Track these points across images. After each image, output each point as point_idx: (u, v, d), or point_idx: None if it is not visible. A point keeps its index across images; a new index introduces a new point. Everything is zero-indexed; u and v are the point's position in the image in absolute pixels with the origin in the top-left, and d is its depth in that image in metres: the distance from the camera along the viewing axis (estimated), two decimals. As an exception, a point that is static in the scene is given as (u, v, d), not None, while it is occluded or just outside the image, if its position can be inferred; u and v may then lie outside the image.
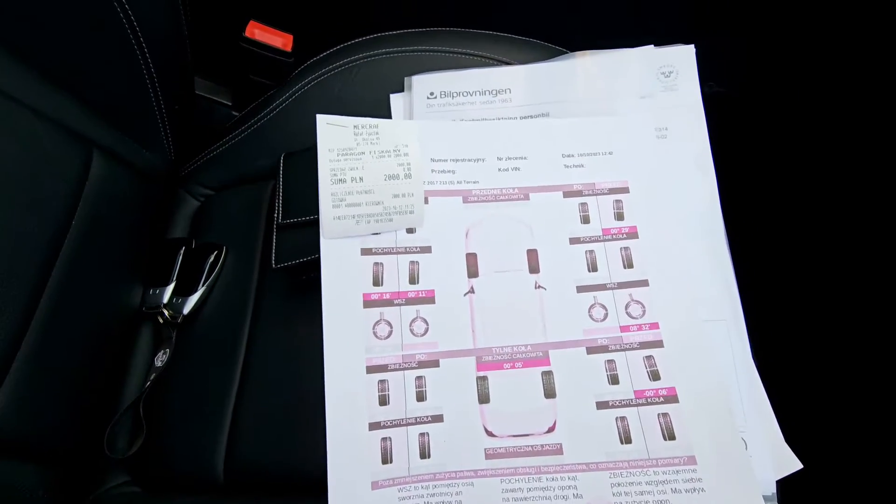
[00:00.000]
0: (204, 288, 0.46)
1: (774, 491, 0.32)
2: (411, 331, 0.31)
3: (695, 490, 0.27)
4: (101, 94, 0.46)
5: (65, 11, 0.41)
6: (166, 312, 0.46)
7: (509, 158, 0.36)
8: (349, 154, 0.35)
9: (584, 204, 0.35)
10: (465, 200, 0.35)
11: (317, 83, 0.53)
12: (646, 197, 0.35)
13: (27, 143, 0.39)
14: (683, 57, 0.41)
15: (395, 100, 0.44)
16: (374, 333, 0.31)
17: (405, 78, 0.45)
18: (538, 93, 0.42)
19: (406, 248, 0.33)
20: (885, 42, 0.54)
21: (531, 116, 0.42)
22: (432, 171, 0.36)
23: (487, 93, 0.43)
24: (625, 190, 0.35)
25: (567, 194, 0.35)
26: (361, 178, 0.34)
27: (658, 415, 0.29)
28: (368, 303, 0.32)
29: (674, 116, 0.40)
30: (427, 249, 0.33)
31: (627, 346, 0.30)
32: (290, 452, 0.35)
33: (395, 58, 0.53)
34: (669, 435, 0.28)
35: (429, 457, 0.29)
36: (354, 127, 0.36)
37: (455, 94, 0.43)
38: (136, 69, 0.45)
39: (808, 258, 0.60)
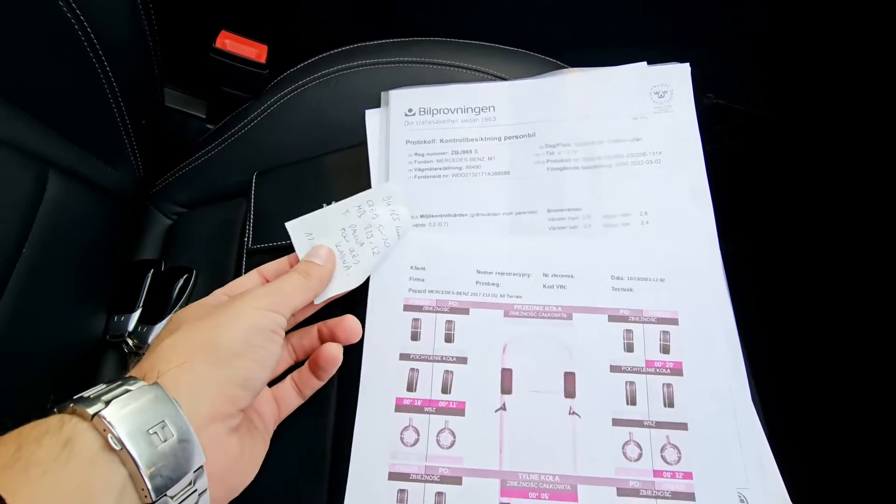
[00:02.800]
0: (171, 315, 0.44)
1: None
2: (438, 442, 0.31)
3: None
4: (57, 110, 0.43)
5: (13, 23, 0.38)
6: (130, 342, 0.44)
7: (555, 276, 0.35)
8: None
9: (629, 331, 0.33)
10: (507, 314, 0.34)
11: (293, 96, 0.50)
12: (694, 332, 0.33)
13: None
14: (678, 76, 0.38)
15: (371, 116, 0.42)
16: (402, 439, 0.31)
17: (381, 93, 0.42)
18: (524, 111, 0.39)
19: (442, 356, 0.33)
20: (887, 50, 0.52)
21: (516, 136, 0.39)
22: (477, 282, 0.35)
23: (470, 110, 0.40)
24: (674, 321, 0.33)
25: (612, 318, 0.33)
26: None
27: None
28: (400, 407, 0.32)
29: (668, 141, 0.37)
30: (463, 360, 0.33)
31: (659, 494, 0.29)
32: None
33: (376, 69, 0.50)
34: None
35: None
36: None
37: (435, 111, 0.40)
38: (96, 83, 0.43)
39: (813, 290, 0.58)
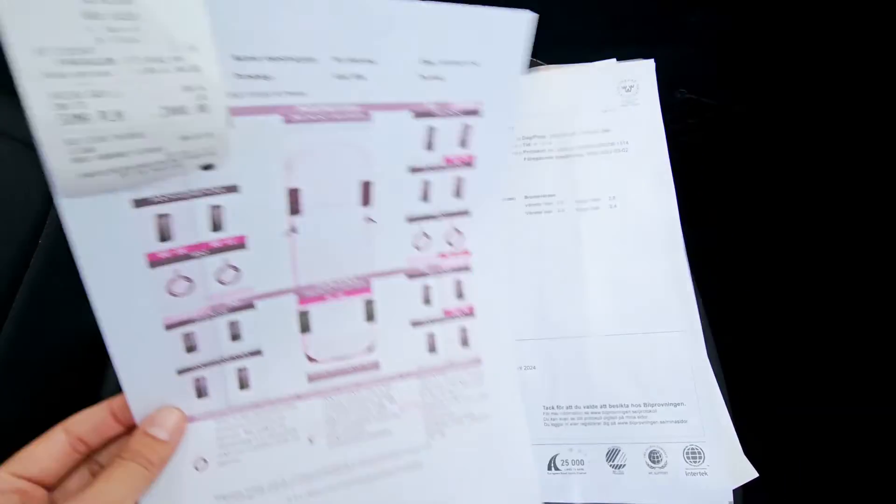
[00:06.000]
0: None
1: (731, 500, 0.33)
2: (219, 281, 0.27)
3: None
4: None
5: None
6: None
7: (352, 60, 0.26)
8: (84, 62, 0.21)
9: (432, 129, 0.29)
10: (288, 120, 0.26)
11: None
12: (494, 126, 0.30)
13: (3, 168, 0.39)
14: (644, 72, 0.41)
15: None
16: (170, 292, 0.27)
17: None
18: (502, 107, 0.42)
19: (203, 189, 0.25)
20: (858, 45, 0.55)
21: (495, 131, 0.42)
22: (237, 75, 0.24)
23: (452, 107, 0.43)
24: (475, 113, 0.30)
25: (418, 115, 0.29)
26: (119, 114, 0.22)
27: (458, 328, 0.33)
28: (157, 262, 0.26)
29: (634, 131, 0.40)
30: (233, 189, 0.26)
31: (444, 271, 0.33)
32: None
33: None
34: (464, 343, 0.33)
35: (249, 388, 0.29)
36: (85, 2, 0.21)
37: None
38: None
39: (772, 264, 0.61)
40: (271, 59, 0.24)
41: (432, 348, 0.32)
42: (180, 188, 0.25)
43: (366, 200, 0.29)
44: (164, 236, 0.25)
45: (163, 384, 0.27)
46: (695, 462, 0.33)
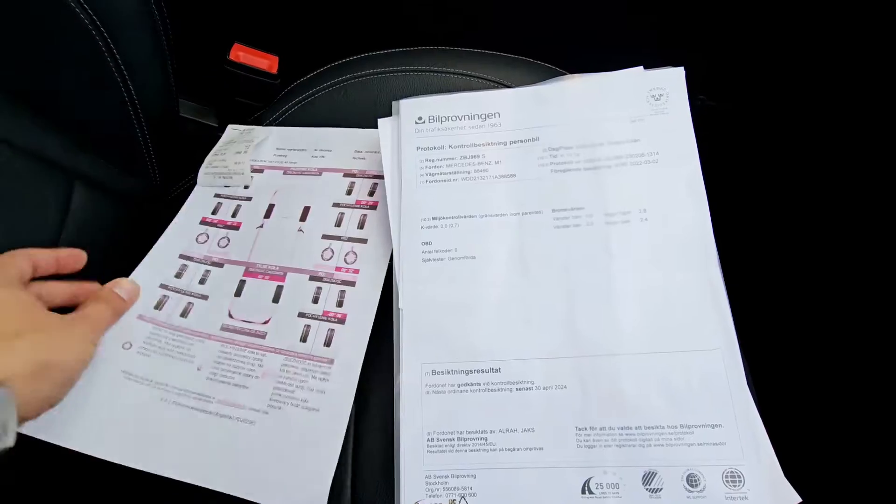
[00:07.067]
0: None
1: (773, 524, 0.32)
2: (218, 244, 0.45)
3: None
4: (81, 123, 0.45)
5: (42, 42, 0.40)
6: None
7: (317, 150, 0.49)
8: None
9: (353, 182, 0.46)
10: (284, 173, 0.48)
11: (304, 104, 0.52)
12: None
13: (5, 179, 0.38)
14: (673, 79, 0.40)
15: (384, 124, 0.44)
16: (196, 240, 0.46)
17: (392, 102, 0.44)
18: (528, 117, 0.42)
19: (236, 195, 0.48)
20: (876, 51, 0.54)
21: (521, 141, 0.41)
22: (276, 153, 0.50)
23: (476, 117, 0.42)
24: (381, 177, 0.44)
25: (346, 175, 0.46)
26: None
27: (328, 329, 0.40)
28: (203, 222, 0.47)
29: (664, 141, 0.39)
30: (249, 199, 0.47)
31: (335, 281, 0.42)
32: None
33: (383, 77, 0.52)
34: (327, 343, 0.40)
35: (186, 318, 0.42)
36: None
37: (444, 119, 0.42)
38: (117, 97, 0.45)
39: (806, 277, 0.60)
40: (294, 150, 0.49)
41: (304, 338, 0.40)
42: (227, 192, 0.48)
43: (303, 218, 0.45)
44: (214, 211, 0.47)
45: (149, 290, 0.43)
46: (734, 486, 0.32)
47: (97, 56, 0.42)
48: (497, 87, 0.50)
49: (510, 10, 0.59)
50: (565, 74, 0.50)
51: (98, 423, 0.37)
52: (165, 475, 0.35)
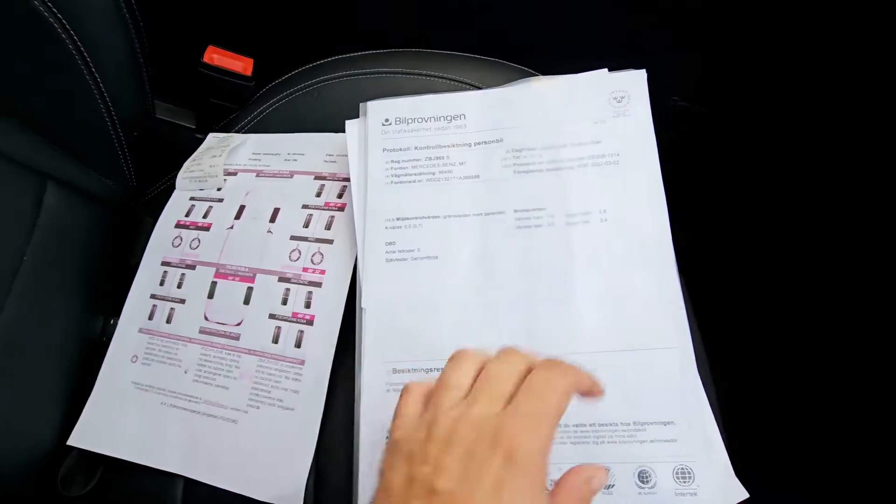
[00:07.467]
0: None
1: (722, 520, 0.32)
2: (190, 246, 0.46)
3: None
4: (54, 125, 0.45)
5: (11, 46, 0.41)
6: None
7: (290, 153, 0.49)
8: None
9: (323, 185, 0.46)
10: (257, 175, 0.48)
11: (278, 106, 0.53)
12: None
13: (-27, 181, 0.38)
14: (635, 82, 0.41)
15: (351, 126, 0.44)
16: (172, 243, 0.47)
17: (360, 104, 0.44)
18: (492, 118, 0.42)
19: (209, 197, 0.48)
20: (847, 54, 0.55)
21: (485, 142, 0.42)
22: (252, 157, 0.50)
23: (442, 119, 0.43)
24: (347, 180, 0.45)
25: (317, 178, 0.47)
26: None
27: (298, 330, 0.41)
28: (178, 225, 0.48)
29: (625, 143, 0.40)
30: (221, 200, 0.48)
31: (301, 281, 0.42)
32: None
33: (356, 80, 0.52)
34: (297, 344, 0.41)
35: (170, 323, 0.44)
36: None
37: (410, 121, 0.43)
38: (90, 100, 0.45)
39: (766, 278, 0.61)
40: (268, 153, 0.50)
41: (276, 339, 0.41)
42: (201, 195, 0.49)
43: (272, 220, 0.45)
44: (188, 214, 0.48)
45: (139, 304, 0.46)
46: (685, 482, 0.33)
47: (68, 61, 0.42)
48: (469, 89, 0.50)
49: (485, 12, 0.60)
50: (535, 76, 0.51)
51: (118, 429, 0.42)
52: (170, 471, 0.40)
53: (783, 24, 0.57)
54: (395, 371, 0.39)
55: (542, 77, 0.44)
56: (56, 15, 0.40)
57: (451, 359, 0.29)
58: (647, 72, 0.42)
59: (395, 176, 0.42)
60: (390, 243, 0.41)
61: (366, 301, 0.40)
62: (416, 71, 0.52)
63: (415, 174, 0.42)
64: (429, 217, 0.41)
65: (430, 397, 0.27)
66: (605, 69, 0.43)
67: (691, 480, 0.33)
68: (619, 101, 0.41)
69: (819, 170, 0.59)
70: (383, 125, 0.43)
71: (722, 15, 0.58)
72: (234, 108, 0.55)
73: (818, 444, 0.52)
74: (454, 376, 0.27)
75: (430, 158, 0.42)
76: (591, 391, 0.28)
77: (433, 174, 0.42)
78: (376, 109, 0.44)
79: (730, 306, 0.58)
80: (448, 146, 0.42)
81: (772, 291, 0.61)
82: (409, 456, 0.25)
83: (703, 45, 0.61)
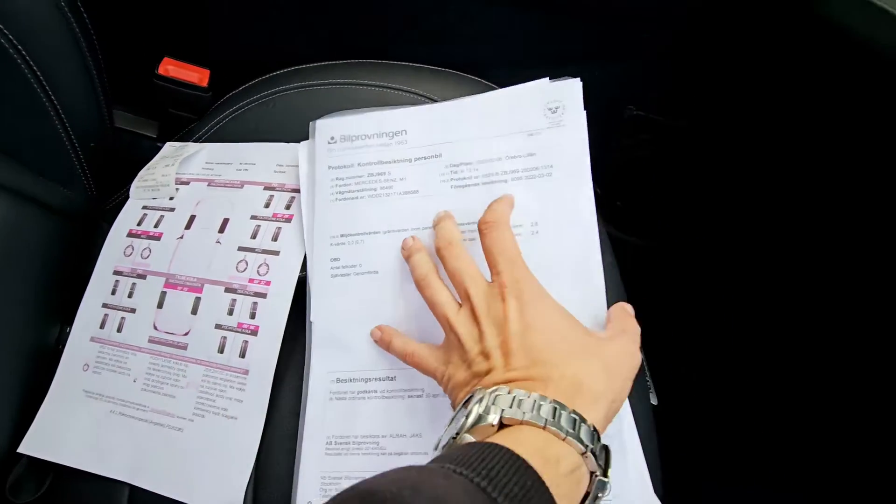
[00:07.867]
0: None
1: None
2: (141, 255, 0.47)
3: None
4: (7, 139, 0.46)
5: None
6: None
7: (242, 163, 0.50)
8: None
9: (272, 196, 0.47)
10: (209, 185, 0.49)
11: (234, 117, 0.54)
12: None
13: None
14: (569, 92, 0.41)
15: (302, 148, 0.46)
16: (124, 252, 0.48)
17: (310, 123, 0.45)
18: (432, 134, 0.43)
19: (162, 206, 0.49)
20: (802, 61, 0.55)
21: (425, 158, 0.43)
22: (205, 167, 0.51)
23: (385, 135, 0.43)
24: (297, 191, 0.46)
25: (266, 188, 0.48)
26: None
27: (242, 340, 0.42)
28: (130, 234, 0.49)
29: (559, 154, 0.40)
30: (172, 209, 0.49)
31: (247, 292, 0.43)
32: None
33: (310, 91, 0.53)
34: (242, 354, 0.42)
35: (121, 332, 0.45)
36: None
37: (354, 138, 0.44)
38: (41, 110, 0.46)
39: (718, 280, 0.62)
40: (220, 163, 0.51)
41: (221, 349, 0.42)
42: (154, 203, 0.50)
43: (221, 230, 0.46)
44: (140, 223, 0.49)
45: (91, 314, 0.47)
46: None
47: (19, 77, 0.43)
48: (423, 101, 0.51)
49: (439, 24, 0.60)
50: (490, 87, 0.52)
51: (68, 437, 0.43)
52: (117, 478, 0.42)
53: (741, 34, 0.57)
54: (338, 381, 0.40)
55: (483, 92, 0.45)
56: (3, 32, 0.41)
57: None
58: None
59: (340, 193, 0.43)
60: (335, 259, 0.42)
61: (314, 315, 0.42)
62: (370, 82, 0.53)
63: (357, 191, 0.43)
64: (370, 233, 0.42)
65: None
66: (546, 79, 0.43)
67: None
68: (553, 112, 0.41)
69: (778, 177, 0.60)
70: (329, 143, 0.44)
71: (683, 24, 0.59)
72: (194, 119, 0.56)
73: (818, 444, 0.53)
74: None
75: (371, 175, 0.43)
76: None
77: (374, 190, 0.42)
78: (323, 128, 0.45)
79: (674, 322, 0.59)
80: (389, 162, 0.43)
81: (724, 309, 0.61)
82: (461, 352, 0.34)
83: (667, 54, 0.61)
